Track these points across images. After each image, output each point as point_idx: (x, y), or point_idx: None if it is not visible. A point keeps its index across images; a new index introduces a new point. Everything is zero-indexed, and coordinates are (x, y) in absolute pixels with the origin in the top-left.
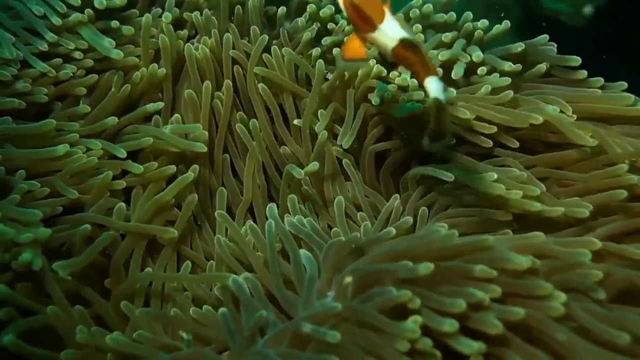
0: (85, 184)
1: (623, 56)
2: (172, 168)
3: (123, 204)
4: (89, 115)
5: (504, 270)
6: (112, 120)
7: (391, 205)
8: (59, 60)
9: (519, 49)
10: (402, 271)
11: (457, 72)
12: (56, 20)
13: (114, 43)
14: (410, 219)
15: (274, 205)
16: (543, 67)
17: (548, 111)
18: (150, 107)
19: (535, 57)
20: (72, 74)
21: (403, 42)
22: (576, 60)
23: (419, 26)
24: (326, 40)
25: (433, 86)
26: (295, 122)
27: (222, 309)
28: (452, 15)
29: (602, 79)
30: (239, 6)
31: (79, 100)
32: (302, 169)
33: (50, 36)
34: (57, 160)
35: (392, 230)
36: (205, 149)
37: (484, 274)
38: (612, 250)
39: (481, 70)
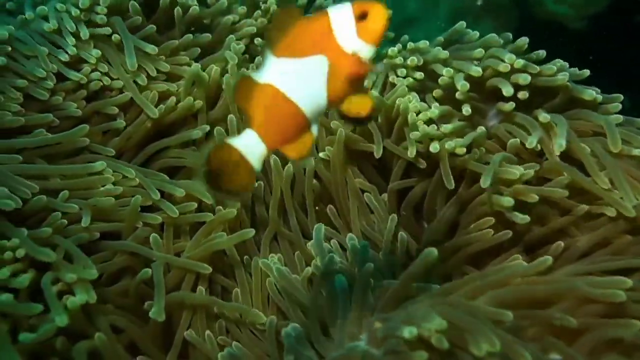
0: (119, 211)
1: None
2: (210, 215)
3: (157, 236)
4: (123, 132)
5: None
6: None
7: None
8: (87, 69)
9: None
10: None
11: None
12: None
13: (145, 81)
14: None
15: (321, 225)
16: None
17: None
18: (195, 133)
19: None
20: (102, 83)
21: None
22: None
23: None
24: None
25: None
26: (321, 154)
27: (227, 349)
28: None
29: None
30: None
31: (112, 118)
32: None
33: (72, 49)
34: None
35: None
36: (235, 214)
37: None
38: None
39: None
